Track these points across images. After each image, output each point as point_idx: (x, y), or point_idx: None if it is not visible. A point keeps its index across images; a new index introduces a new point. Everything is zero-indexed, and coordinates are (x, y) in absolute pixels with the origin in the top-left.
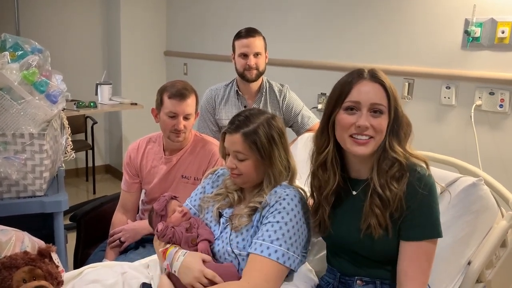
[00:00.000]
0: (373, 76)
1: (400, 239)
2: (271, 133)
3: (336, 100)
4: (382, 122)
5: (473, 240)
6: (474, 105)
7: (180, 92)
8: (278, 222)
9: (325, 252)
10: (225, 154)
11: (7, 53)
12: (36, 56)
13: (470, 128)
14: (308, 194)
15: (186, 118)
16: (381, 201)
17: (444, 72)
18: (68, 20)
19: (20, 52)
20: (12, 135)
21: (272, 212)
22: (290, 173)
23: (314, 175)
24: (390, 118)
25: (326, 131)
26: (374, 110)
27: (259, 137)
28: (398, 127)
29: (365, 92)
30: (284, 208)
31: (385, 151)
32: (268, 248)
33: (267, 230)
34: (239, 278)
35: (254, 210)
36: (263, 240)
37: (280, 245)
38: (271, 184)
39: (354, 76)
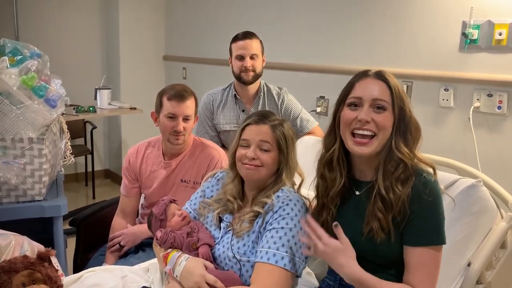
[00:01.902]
0: (378, 74)
1: (403, 244)
2: (291, 133)
3: (341, 98)
4: (385, 118)
5: (472, 242)
6: (473, 107)
7: (179, 93)
8: (282, 228)
9: None
10: (237, 146)
11: (6, 58)
12: (35, 61)
13: (468, 130)
14: (312, 197)
15: (185, 119)
16: (384, 204)
17: (442, 74)
18: (67, 25)
19: (19, 57)
20: (11, 139)
21: (276, 218)
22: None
23: (321, 175)
24: (395, 117)
25: (333, 131)
26: (377, 106)
27: (286, 130)
28: (405, 128)
29: (367, 88)
30: (288, 214)
31: (391, 152)
32: (274, 255)
33: (272, 237)
34: (241, 284)
35: (256, 215)
36: (269, 247)
37: (286, 252)
38: (281, 184)
39: (359, 75)
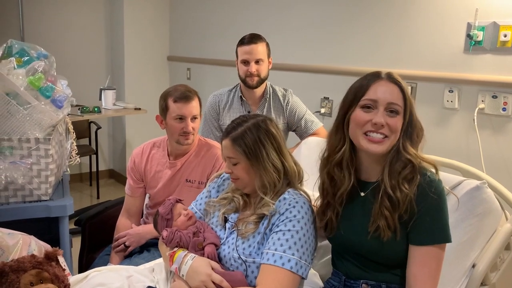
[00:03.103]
0: (390, 77)
1: (410, 243)
2: (258, 135)
3: (353, 99)
4: (398, 122)
5: (477, 243)
6: (477, 108)
7: (184, 94)
8: (289, 230)
9: (329, 256)
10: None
11: (13, 58)
12: (42, 62)
13: (473, 132)
14: (315, 197)
15: (193, 119)
16: (390, 203)
17: (446, 75)
18: (72, 26)
19: (26, 58)
20: (18, 140)
21: (283, 221)
22: (290, 175)
23: (328, 175)
24: (405, 120)
25: (341, 131)
26: (391, 110)
27: (245, 139)
28: (412, 129)
29: (382, 91)
30: (294, 216)
31: (398, 153)
32: (281, 257)
33: (278, 239)
34: (247, 285)
35: (261, 217)
36: (275, 249)
37: (293, 254)
38: (265, 188)
39: (371, 77)
